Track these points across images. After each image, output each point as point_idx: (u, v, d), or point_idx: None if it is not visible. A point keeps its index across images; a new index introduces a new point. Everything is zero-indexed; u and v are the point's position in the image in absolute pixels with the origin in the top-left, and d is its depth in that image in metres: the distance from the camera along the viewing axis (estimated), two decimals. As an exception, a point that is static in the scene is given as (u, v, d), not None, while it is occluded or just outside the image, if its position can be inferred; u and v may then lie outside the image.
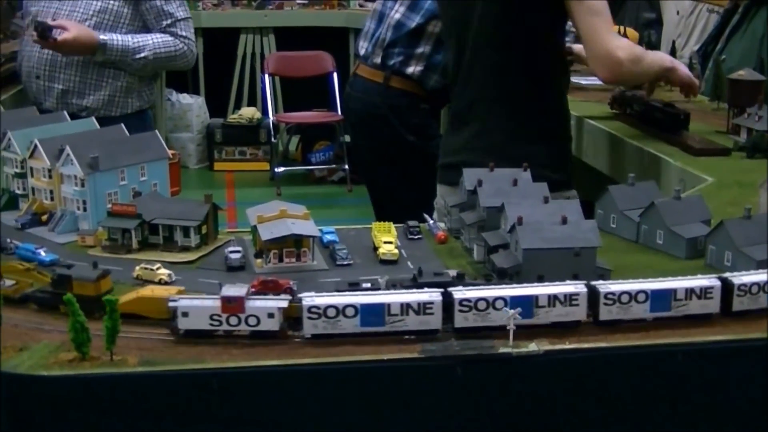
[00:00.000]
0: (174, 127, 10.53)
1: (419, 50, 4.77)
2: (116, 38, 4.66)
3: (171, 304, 2.10)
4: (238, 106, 10.77)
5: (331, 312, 2.07)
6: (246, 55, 10.68)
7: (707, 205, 2.74)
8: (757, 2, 5.24)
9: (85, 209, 2.72)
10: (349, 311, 2.08)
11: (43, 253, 2.50)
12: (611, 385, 2.14)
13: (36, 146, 2.78)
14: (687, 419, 2.19)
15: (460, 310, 2.11)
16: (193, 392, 2.01)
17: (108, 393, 1.99)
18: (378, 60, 4.87)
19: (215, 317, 2.08)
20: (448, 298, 2.11)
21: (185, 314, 2.08)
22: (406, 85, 4.80)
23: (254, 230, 2.56)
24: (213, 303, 2.09)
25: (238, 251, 2.51)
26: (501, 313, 2.10)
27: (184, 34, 4.74)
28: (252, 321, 2.08)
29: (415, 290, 2.14)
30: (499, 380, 2.09)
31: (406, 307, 2.09)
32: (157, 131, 3.05)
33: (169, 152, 2.97)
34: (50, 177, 2.79)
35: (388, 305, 2.09)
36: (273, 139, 10.23)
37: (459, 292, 2.12)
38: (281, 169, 9.99)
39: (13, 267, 2.36)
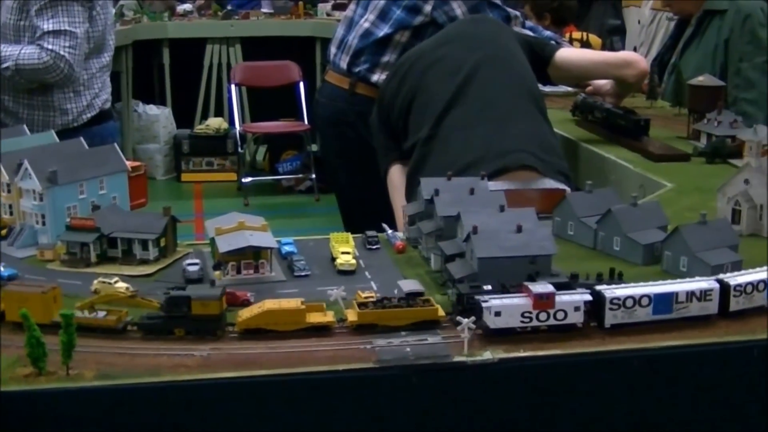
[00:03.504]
0: (141, 138, 10.52)
1: (385, 59, 4.79)
2: None
3: (484, 305, 2.14)
4: (205, 117, 10.77)
5: (629, 302, 2.19)
6: (213, 65, 10.68)
7: (666, 210, 2.76)
8: (710, 14, 5.29)
9: (44, 223, 2.71)
10: (644, 301, 2.20)
11: (1, 268, 2.49)
12: (566, 392, 2.15)
13: (-6, 161, 2.77)
14: (650, 428, 2.21)
15: (734, 296, 2.25)
16: (149, 405, 2.00)
17: (65, 408, 1.97)
18: (345, 66, 4.89)
19: (526, 314, 2.14)
20: (723, 285, 2.25)
21: (498, 314, 2.13)
22: (372, 92, 4.80)
23: (213, 242, 2.56)
24: (524, 301, 2.15)
25: (196, 263, 2.51)
26: (762, 295, 2.27)
27: (50, 47, 4.65)
28: (560, 315, 2.15)
29: (691, 279, 2.28)
30: (455, 389, 2.09)
31: (690, 295, 2.22)
32: (115, 144, 3.03)
33: (131, 164, 2.96)
34: (10, 191, 2.78)
35: (676, 293, 2.21)
36: (240, 150, 10.25)
37: (732, 278, 2.27)
38: (249, 179, 10.00)
39: (112, 295, 2.25)
